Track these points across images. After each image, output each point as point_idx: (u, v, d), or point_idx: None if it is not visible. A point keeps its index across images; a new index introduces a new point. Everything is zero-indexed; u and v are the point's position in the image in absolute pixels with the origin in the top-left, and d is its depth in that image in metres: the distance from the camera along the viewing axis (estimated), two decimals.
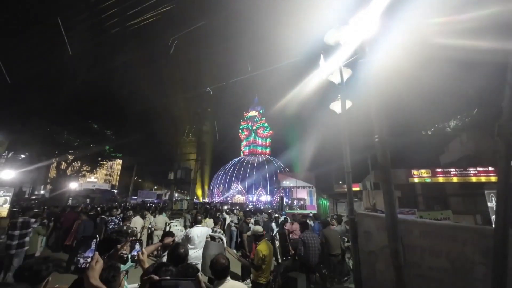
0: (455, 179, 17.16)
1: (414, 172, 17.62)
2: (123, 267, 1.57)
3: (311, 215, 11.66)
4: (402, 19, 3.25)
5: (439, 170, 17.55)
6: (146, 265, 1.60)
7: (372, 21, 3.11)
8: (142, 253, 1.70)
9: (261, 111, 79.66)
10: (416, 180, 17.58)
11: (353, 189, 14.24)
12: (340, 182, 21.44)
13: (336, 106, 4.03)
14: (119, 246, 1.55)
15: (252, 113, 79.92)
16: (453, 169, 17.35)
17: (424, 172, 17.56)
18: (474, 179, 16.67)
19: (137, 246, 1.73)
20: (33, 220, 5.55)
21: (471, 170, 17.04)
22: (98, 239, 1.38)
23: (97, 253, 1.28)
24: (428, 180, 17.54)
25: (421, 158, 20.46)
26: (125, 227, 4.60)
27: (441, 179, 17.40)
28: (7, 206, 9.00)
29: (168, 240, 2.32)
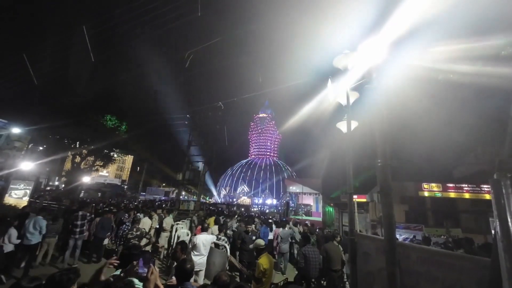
0: (467, 195, 16.64)
1: (425, 185, 17.21)
2: (138, 284, 1.72)
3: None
4: (410, 47, 3.35)
5: (450, 185, 17.07)
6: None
7: (380, 48, 3.23)
8: (151, 273, 1.61)
9: (271, 114, 79.83)
10: (426, 194, 17.16)
11: (360, 200, 14.08)
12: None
13: (342, 126, 4.14)
14: (135, 262, 1.72)
15: (262, 116, 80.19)
16: (466, 185, 16.84)
17: (434, 186, 17.12)
18: (488, 196, 16.12)
19: (141, 262, 1.62)
20: (88, 214, 6.82)
21: (485, 187, 16.48)
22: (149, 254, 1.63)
23: (152, 265, 1.56)
24: (439, 194, 17.09)
25: (432, 171, 19.94)
26: (134, 229, 4.86)
27: (452, 194, 16.91)
28: (26, 198, 9.58)
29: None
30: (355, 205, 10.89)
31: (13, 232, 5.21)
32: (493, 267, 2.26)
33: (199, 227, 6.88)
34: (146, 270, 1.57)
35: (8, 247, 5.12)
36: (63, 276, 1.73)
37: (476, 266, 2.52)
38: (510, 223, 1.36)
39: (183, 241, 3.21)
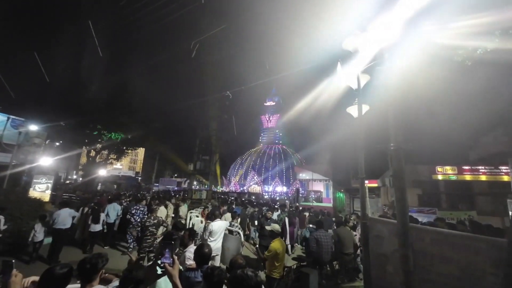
0: (483, 178, 16.17)
1: (439, 169, 16.81)
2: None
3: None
4: (426, 23, 3.17)
5: (466, 167, 16.59)
6: (177, 281, 1.63)
7: (392, 27, 3.09)
8: (173, 263, 1.64)
9: (278, 101, 78.82)
10: (440, 177, 16.80)
11: (371, 185, 13.96)
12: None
13: (353, 110, 4.06)
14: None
15: (269, 104, 79.35)
16: (482, 167, 16.32)
17: (449, 169, 16.71)
18: (505, 178, 15.61)
19: (167, 253, 1.64)
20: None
21: (503, 168, 15.93)
22: (173, 244, 1.74)
23: (175, 257, 1.66)
24: (454, 177, 16.69)
25: (447, 153, 19.36)
26: (152, 218, 5.09)
27: (468, 177, 16.48)
28: (49, 192, 10.12)
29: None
30: (366, 190, 10.79)
31: (103, 216, 7.25)
32: (510, 248, 2.24)
33: (203, 211, 7.61)
34: (171, 260, 1.64)
35: (97, 227, 6.92)
36: (98, 259, 1.90)
37: (492, 247, 2.51)
38: None
39: (191, 228, 3.38)
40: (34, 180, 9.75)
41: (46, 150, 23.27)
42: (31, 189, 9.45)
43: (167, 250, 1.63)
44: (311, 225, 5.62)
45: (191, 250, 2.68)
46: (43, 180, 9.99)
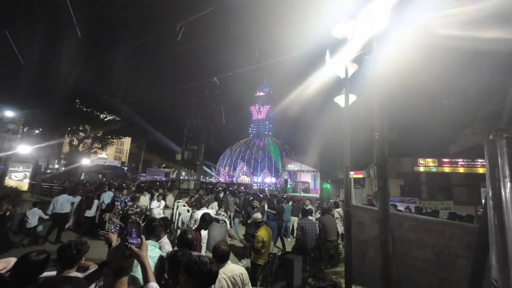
0: (461, 170, 17.03)
1: (421, 161, 17.53)
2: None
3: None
4: (412, 13, 3.16)
5: (446, 160, 17.39)
6: (146, 262, 1.52)
7: (381, 15, 3.05)
8: (141, 243, 1.52)
9: (268, 92, 78.44)
10: (421, 169, 17.53)
11: (357, 176, 14.27)
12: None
13: (340, 100, 4.07)
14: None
15: (260, 95, 78.88)
16: (461, 160, 17.16)
17: (430, 162, 17.45)
18: (481, 170, 16.51)
19: (134, 233, 1.52)
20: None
21: (479, 160, 16.82)
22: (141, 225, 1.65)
23: (143, 237, 1.56)
24: (434, 169, 17.47)
25: (429, 146, 20.17)
26: (135, 206, 4.99)
27: (447, 169, 17.30)
28: (27, 181, 9.66)
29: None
30: (352, 181, 11.07)
31: (96, 201, 7.63)
32: (480, 233, 2.34)
33: (189, 200, 7.85)
34: (139, 240, 1.53)
35: (91, 213, 7.36)
36: (83, 246, 1.92)
37: (465, 232, 2.63)
38: (501, 182, 1.38)
39: (166, 217, 3.38)
40: (10, 169, 9.27)
41: (24, 137, 22.12)
42: (6, 177, 9.01)
43: (134, 230, 1.53)
44: (269, 210, 6.09)
45: (165, 241, 2.63)
46: (20, 169, 9.51)
